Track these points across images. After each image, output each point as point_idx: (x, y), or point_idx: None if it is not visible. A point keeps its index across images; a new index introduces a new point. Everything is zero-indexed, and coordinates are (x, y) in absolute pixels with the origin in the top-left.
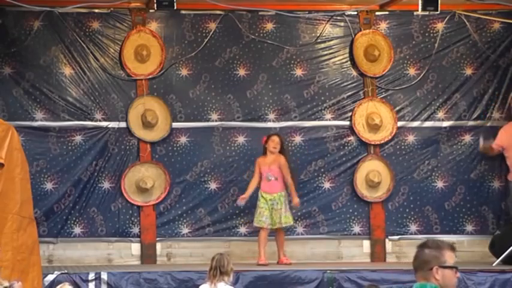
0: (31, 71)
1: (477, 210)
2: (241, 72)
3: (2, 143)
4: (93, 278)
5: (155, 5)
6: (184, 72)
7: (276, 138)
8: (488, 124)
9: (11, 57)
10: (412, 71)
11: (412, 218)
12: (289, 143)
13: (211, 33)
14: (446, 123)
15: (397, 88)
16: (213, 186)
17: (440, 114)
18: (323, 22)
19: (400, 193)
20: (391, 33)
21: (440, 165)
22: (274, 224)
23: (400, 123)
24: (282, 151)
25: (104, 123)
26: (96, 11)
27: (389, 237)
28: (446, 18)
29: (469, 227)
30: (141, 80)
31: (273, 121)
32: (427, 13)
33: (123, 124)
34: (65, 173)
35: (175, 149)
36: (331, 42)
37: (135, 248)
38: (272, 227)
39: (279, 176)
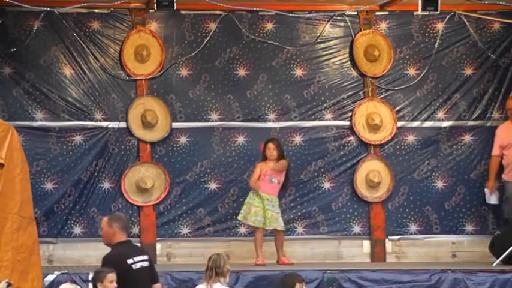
0: (31, 71)
1: (477, 210)
2: (241, 72)
3: (2, 143)
4: None
5: (155, 5)
6: (184, 72)
7: (271, 146)
8: (488, 124)
9: (11, 57)
10: (412, 71)
11: (412, 218)
12: (289, 143)
13: (211, 33)
14: (446, 123)
15: (397, 88)
16: (213, 186)
17: (440, 114)
18: (323, 22)
19: (400, 193)
20: (391, 33)
21: (440, 165)
22: (267, 224)
23: (400, 123)
24: (282, 155)
25: (104, 123)
26: (96, 11)
27: (389, 237)
28: (446, 18)
29: (469, 227)
30: (141, 80)
31: (273, 121)
32: (427, 13)
33: (123, 124)
34: (65, 173)
35: (175, 149)
36: (331, 42)
37: None
38: (265, 227)
39: (280, 181)
